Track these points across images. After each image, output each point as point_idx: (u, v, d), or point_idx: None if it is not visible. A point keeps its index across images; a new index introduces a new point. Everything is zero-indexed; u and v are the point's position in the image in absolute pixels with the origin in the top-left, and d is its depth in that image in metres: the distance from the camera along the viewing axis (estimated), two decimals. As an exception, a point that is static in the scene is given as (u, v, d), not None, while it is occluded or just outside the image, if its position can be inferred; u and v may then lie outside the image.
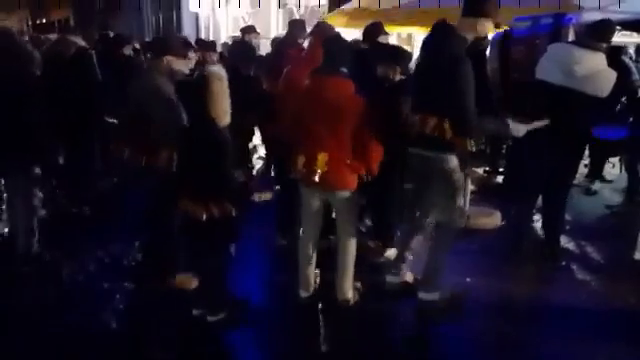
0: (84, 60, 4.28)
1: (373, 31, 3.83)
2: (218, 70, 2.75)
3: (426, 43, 2.94)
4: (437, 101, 2.75)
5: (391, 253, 3.59)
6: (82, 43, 4.51)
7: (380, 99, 3.06)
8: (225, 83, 2.70)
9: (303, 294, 3.12)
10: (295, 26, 4.55)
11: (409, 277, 3.27)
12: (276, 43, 5.40)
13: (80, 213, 4.40)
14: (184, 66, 3.25)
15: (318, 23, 4.21)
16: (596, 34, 3.27)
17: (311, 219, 3.07)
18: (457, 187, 2.89)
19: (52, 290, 3.28)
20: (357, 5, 7.19)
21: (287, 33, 4.69)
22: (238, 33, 6.55)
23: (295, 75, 3.49)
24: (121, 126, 3.81)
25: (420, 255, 3.25)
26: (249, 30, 6.04)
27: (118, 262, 3.65)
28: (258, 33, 6.26)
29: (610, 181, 5.45)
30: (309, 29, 4.24)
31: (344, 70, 2.80)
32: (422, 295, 3.07)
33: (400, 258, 3.28)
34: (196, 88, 2.67)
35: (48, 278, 3.42)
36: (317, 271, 3.20)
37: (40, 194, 3.85)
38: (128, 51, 5.16)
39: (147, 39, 9.68)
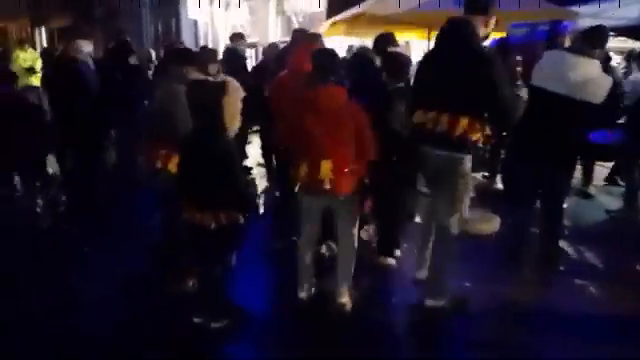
0: (70, 69, 4.35)
1: (382, 41, 3.89)
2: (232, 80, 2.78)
3: (444, 40, 2.85)
4: (468, 100, 2.68)
5: (390, 261, 3.61)
6: (89, 49, 4.61)
7: (385, 104, 3.13)
8: (240, 94, 2.73)
9: (302, 296, 3.14)
10: (297, 35, 4.60)
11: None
12: (278, 52, 5.45)
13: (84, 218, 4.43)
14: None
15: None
16: (589, 41, 3.29)
17: (311, 224, 3.10)
18: (465, 192, 2.90)
19: (51, 295, 3.30)
20: (354, 12, 7.25)
21: (290, 42, 4.74)
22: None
23: (281, 82, 3.58)
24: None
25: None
26: (237, 37, 6.10)
27: (121, 267, 3.66)
28: (245, 40, 6.32)
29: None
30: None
31: (334, 79, 2.86)
32: (428, 302, 3.06)
33: (420, 264, 3.24)
34: (214, 94, 2.64)
35: (47, 282, 3.45)
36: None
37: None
38: (133, 60, 5.23)
39: (149, 47, 9.74)
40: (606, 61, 4.80)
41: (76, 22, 4.74)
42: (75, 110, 4.36)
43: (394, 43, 3.94)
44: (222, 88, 2.65)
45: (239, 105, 2.70)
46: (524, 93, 2.84)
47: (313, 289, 3.19)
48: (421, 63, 3.16)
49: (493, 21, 2.82)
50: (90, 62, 4.77)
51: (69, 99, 4.38)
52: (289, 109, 3.09)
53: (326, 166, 2.80)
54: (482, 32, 2.79)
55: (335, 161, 2.81)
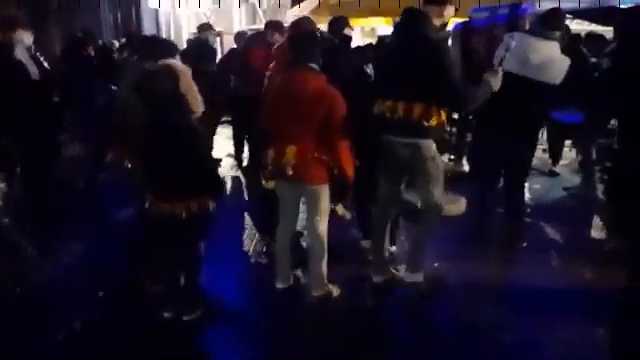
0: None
1: (339, 24, 3.92)
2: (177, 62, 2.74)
3: (400, 30, 2.96)
4: (421, 87, 2.76)
5: (367, 244, 3.64)
6: (29, 40, 4.17)
7: (355, 90, 3.10)
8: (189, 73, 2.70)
9: (280, 286, 3.14)
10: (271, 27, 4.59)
11: (392, 272, 3.32)
12: (245, 42, 5.38)
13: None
14: None
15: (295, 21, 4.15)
16: (547, 23, 3.39)
17: (286, 212, 3.09)
18: (439, 172, 2.99)
19: (21, 293, 3.21)
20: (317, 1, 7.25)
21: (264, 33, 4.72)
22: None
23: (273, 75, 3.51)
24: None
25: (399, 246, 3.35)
26: (205, 27, 5.98)
27: (91, 263, 3.60)
28: (214, 30, 6.20)
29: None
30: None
31: (313, 64, 2.80)
32: (407, 277, 3.19)
33: (379, 253, 3.30)
34: (164, 80, 2.56)
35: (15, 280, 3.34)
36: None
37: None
38: (92, 51, 5.06)
39: (111, 37, 9.45)
40: (575, 42, 4.94)
41: (16, 11, 4.23)
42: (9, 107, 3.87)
43: (349, 25, 3.98)
44: (173, 73, 2.58)
45: (194, 86, 2.66)
46: (493, 79, 2.91)
47: (291, 278, 3.17)
48: (379, 54, 3.24)
49: (448, 11, 2.91)
50: (25, 55, 4.21)
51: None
52: (267, 98, 3.06)
53: (290, 151, 2.79)
54: (437, 21, 2.87)
55: (301, 148, 2.78)
